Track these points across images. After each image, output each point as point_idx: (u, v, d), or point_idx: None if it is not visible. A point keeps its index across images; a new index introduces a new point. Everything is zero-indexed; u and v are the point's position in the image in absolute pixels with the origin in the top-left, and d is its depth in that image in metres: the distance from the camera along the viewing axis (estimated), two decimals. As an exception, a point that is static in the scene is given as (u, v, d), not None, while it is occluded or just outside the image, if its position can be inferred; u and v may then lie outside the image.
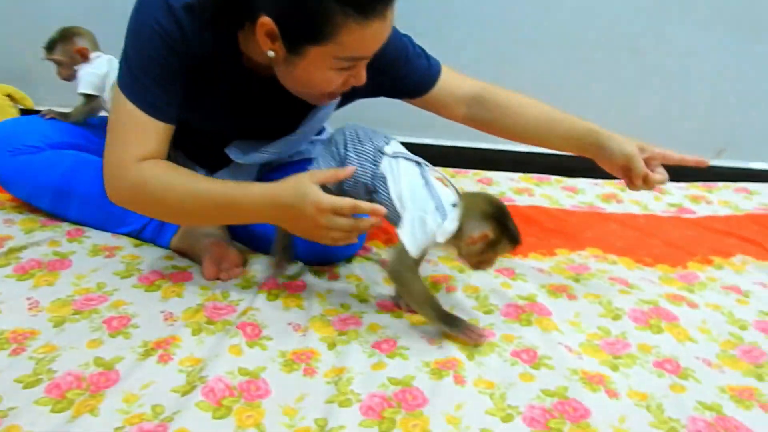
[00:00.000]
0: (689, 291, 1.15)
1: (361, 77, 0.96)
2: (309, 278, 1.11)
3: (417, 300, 0.94)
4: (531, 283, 1.13)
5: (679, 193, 1.60)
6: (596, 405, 0.83)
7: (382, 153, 0.95)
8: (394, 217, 0.94)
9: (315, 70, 0.92)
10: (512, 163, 1.72)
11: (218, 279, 1.09)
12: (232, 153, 1.16)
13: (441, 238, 0.91)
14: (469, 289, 1.10)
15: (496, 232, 0.91)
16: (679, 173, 1.73)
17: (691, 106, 1.71)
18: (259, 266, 1.14)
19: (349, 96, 1.16)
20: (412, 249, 0.90)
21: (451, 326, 0.93)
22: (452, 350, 0.92)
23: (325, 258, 1.16)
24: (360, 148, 0.95)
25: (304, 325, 0.98)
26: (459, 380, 0.86)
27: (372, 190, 0.95)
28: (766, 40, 1.62)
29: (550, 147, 1.16)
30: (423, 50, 1.16)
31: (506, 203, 1.45)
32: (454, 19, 1.65)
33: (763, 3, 1.58)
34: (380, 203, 0.94)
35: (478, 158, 1.75)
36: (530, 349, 0.94)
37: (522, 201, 1.52)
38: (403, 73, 1.13)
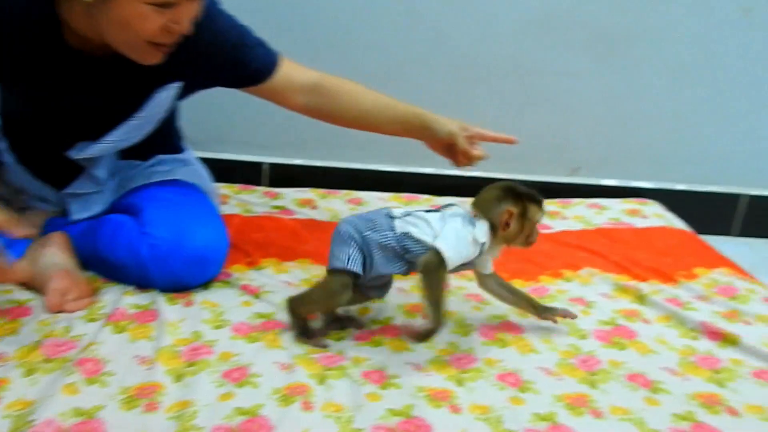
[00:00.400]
0: (538, 304, 1.21)
1: (183, 23, 0.97)
2: (162, 306, 1.07)
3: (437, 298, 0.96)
4: (389, 304, 1.14)
5: (538, 209, 1.69)
6: (439, 421, 0.85)
7: (392, 217, 0.98)
8: None
9: (129, 6, 0.92)
10: (382, 182, 1.76)
11: (62, 311, 1.04)
12: (74, 152, 1.13)
13: (484, 237, 0.97)
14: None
15: (515, 204, 0.97)
16: (539, 191, 1.86)
17: (563, 125, 1.82)
18: (109, 296, 1.09)
19: (191, 85, 1.16)
20: (450, 254, 0.93)
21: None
22: (303, 376, 0.92)
23: (180, 284, 1.12)
24: (371, 224, 0.97)
25: (151, 357, 0.94)
26: (307, 406, 0.86)
27: (403, 251, 0.96)
28: (625, 62, 1.76)
29: (380, 131, 1.24)
30: (262, 40, 1.18)
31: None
32: (344, 36, 1.68)
33: (632, 29, 1.72)
34: (419, 259, 0.95)
35: (347, 178, 1.78)
36: (379, 370, 0.95)
37: (390, 220, 1.54)
38: (242, 60, 1.15)
